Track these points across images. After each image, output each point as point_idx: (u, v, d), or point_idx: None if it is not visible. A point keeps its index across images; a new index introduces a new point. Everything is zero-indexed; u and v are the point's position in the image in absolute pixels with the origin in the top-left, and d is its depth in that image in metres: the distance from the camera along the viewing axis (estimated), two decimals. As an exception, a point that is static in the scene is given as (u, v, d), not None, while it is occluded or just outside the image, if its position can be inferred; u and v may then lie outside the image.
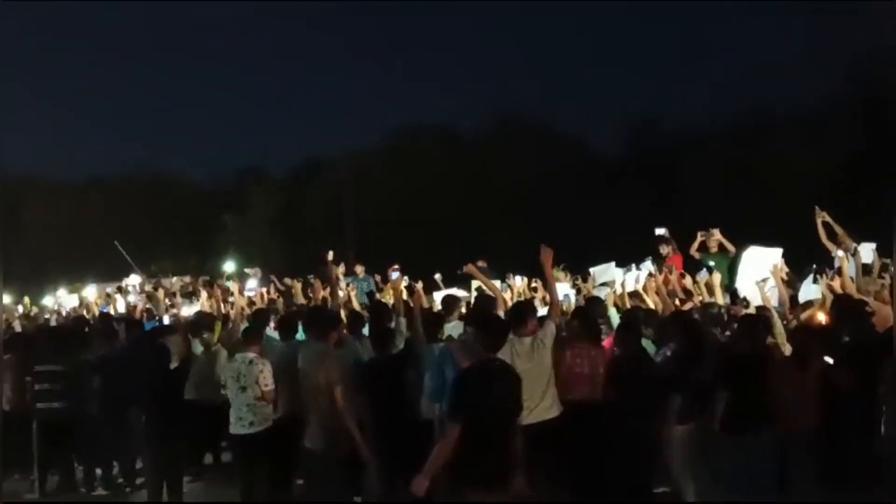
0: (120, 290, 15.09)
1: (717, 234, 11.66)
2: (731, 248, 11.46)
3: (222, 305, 12.10)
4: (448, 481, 4.95)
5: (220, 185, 43.23)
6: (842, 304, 7.37)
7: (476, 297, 9.22)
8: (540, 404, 6.41)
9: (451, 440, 4.84)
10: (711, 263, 10.85)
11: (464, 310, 9.07)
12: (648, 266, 10.72)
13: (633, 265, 10.66)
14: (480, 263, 13.63)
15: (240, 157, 79.88)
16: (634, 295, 9.58)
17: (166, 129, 65.53)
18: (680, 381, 6.75)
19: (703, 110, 61.50)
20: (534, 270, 12.46)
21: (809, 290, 8.73)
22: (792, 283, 9.40)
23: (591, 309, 7.70)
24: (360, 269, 16.08)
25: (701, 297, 9.15)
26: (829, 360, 6.78)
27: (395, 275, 14.20)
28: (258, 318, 8.72)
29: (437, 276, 12.67)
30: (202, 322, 9.69)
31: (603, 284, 10.24)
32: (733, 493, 6.69)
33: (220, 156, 79.96)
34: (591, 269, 10.76)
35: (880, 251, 9.17)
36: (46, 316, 14.59)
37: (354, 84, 67.25)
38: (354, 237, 31.22)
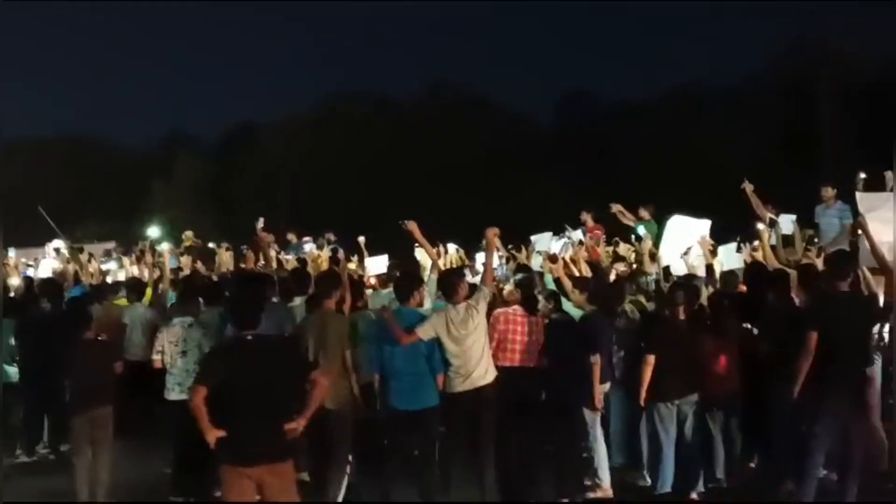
0: (57, 251, 14.43)
1: (616, 207, 11.93)
2: (630, 220, 11.81)
3: (152, 272, 11.80)
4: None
5: (148, 150, 42.13)
6: (754, 272, 7.66)
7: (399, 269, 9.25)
8: (475, 371, 6.42)
9: (194, 402, 4.94)
10: (641, 231, 10.99)
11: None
12: (578, 235, 10.85)
13: (566, 234, 10.77)
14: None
15: (168, 122, 77.60)
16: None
17: (92, 91, 63.36)
18: (599, 342, 6.92)
19: (638, 83, 62.35)
20: (466, 240, 12.56)
21: (731, 259, 8.96)
22: (716, 254, 9.60)
23: (524, 276, 7.75)
24: (292, 237, 15.92)
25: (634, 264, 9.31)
26: (754, 329, 7.03)
27: (307, 247, 14.14)
28: (189, 285, 8.51)
29: (361, 240, 12.58)
30: (134, 287, 9.64)
31: (538, 253, 10.31)
32: (659, 457, 6.91)
33: (148, 121, 77.71)
34: (532, 238, 10.82)
35: (800, 222, 9.43)
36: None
37: (287, 49, 65.99)
38: (287, 205, 30.79)
